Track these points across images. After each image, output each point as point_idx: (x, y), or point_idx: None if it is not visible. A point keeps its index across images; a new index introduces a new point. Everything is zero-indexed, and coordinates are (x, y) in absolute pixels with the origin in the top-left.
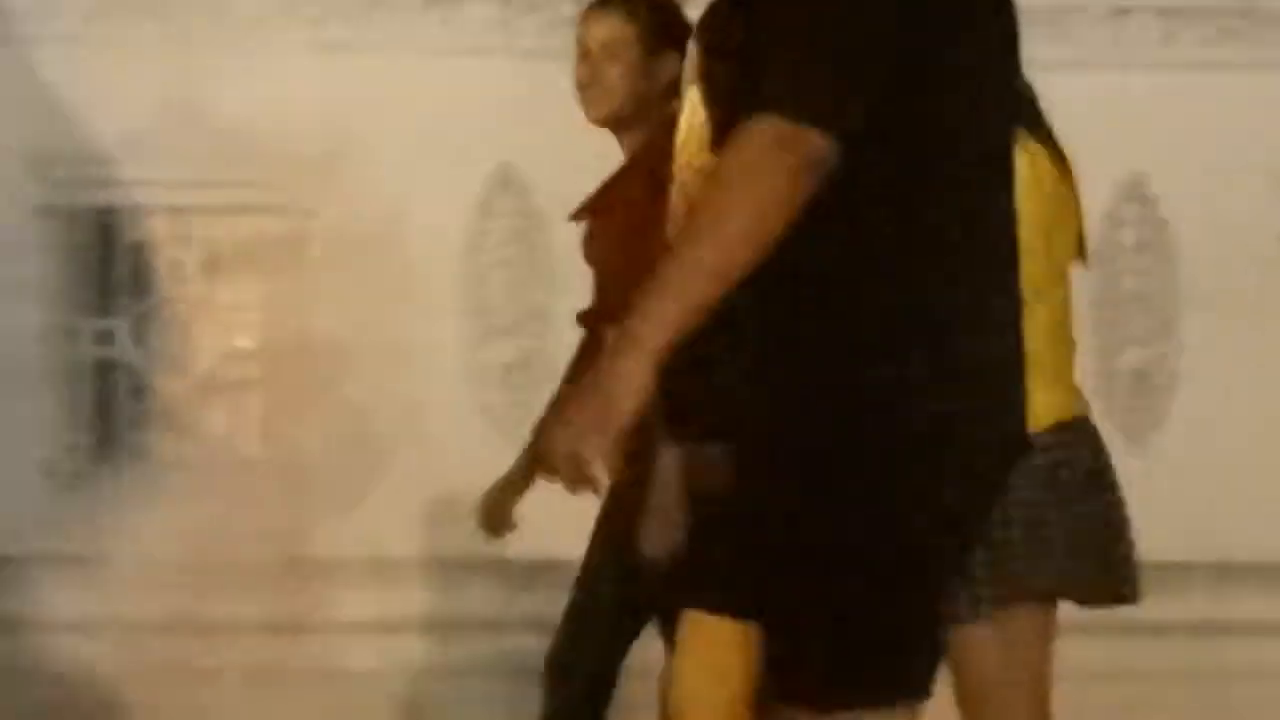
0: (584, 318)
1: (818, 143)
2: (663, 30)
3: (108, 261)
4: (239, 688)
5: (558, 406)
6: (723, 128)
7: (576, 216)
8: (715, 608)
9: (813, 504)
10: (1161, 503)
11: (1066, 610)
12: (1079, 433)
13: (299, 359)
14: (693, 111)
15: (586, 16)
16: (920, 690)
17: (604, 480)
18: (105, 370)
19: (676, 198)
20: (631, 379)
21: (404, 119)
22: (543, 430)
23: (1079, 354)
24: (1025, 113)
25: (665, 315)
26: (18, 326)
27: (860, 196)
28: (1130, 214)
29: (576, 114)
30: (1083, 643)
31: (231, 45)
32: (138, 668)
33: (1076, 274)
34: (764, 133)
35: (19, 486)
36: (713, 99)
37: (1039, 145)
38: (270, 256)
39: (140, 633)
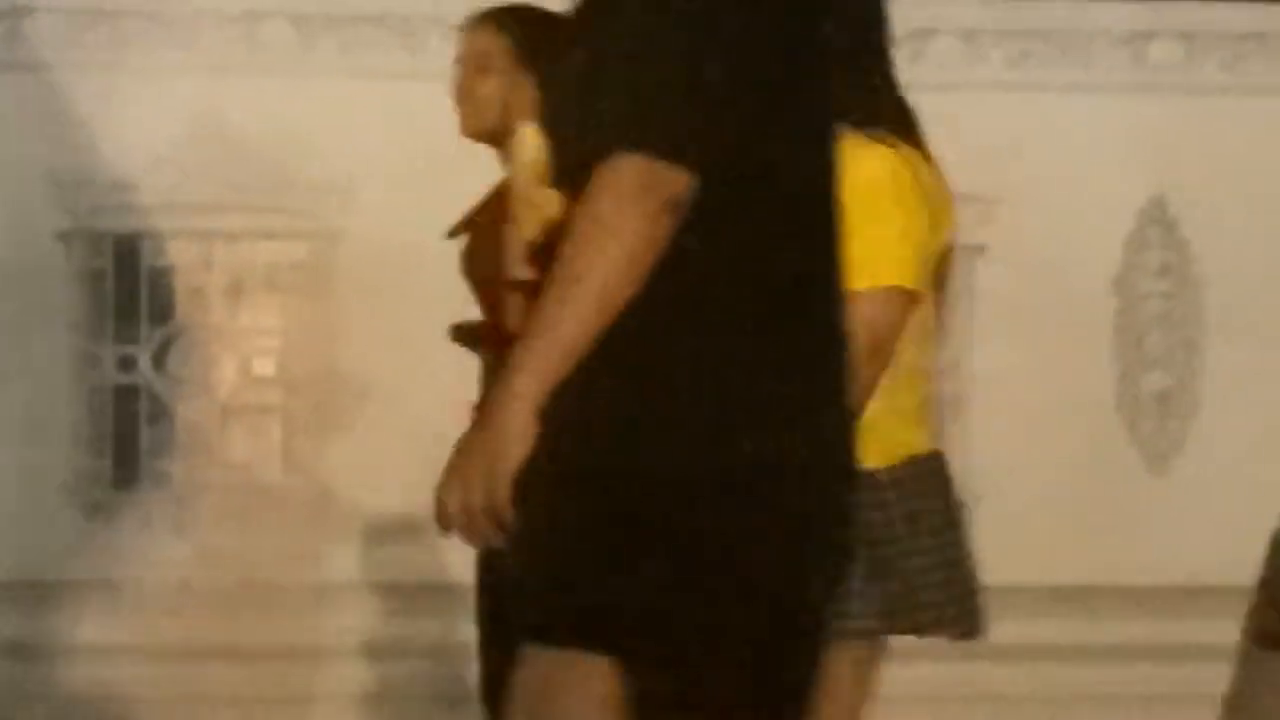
0: (468, 332)
1: (679, 180)
2: (535, 43)
3: (130, 287)
4: (261, 712)
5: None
6: (562, 162)
7: (454, 233)
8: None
9: (629, 539)
10: (1183, 526)
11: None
12: (932, 467)
13: (320, 385)
14: (529, 147)
15: (463, 29)
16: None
17: (499, 530)
18: (127, 396)
19: (511, 234)
20: (513, 429)
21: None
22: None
23: (1106, 378)
24: (903, 120)
25: (541, 365)
26: (41, 352)
27: (678, 232)
28: (1153, 237)
29: None
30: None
31: (255, 71)
32: (160, 692)
33: (1103, 296)
34: (626, 174)
35: (42, 512)
36: (551, 133)
37: (914, 152)
38: (292, 282)
39: (162, 657)
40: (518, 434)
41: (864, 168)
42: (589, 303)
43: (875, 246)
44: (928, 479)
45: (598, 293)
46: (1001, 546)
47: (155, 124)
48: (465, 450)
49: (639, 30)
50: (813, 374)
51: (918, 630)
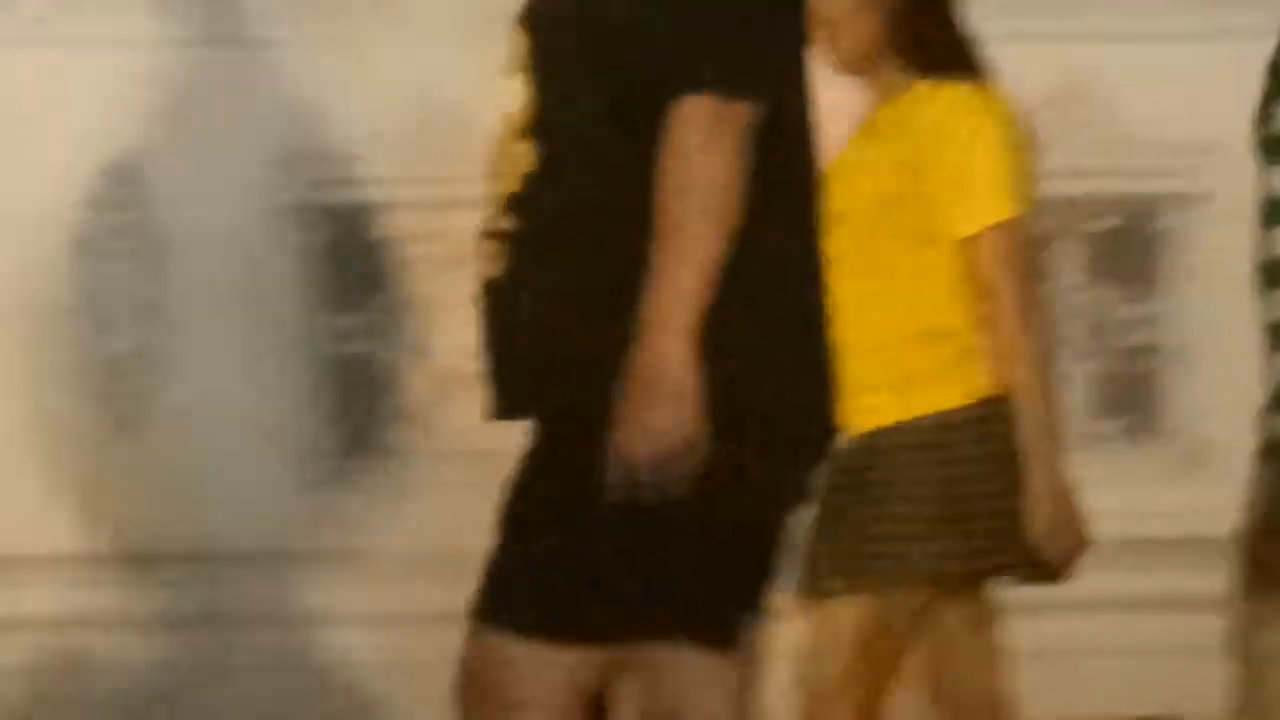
0: None
1: (746, 111)
2: None
3: (353, 258)
4: None
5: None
6: (538, 114)
7: None
8: None
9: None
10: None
11: None
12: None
13: None
14: (512, 100)
15: None
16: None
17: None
18: (351, 367)
19: (493, 186)
20: (682, 358)
21: None
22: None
23: None
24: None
25: (687, 292)
26: (266, 325)
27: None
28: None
29: None
30: None
31: (472, 42)
32: (393, 660)
33: None
34: (702, 115)
35: (270, 484)
36: (542, 85)
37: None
38: None
39: (394, 625)
40: (687, 363)
41: (946, 105)
42: (711, 237)
43: (985, 182)
44: (1002, 421)
45: (715, 224)
46: None
47: (377, 96)
48: (635, 398)
49: None
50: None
51: (995, 572)
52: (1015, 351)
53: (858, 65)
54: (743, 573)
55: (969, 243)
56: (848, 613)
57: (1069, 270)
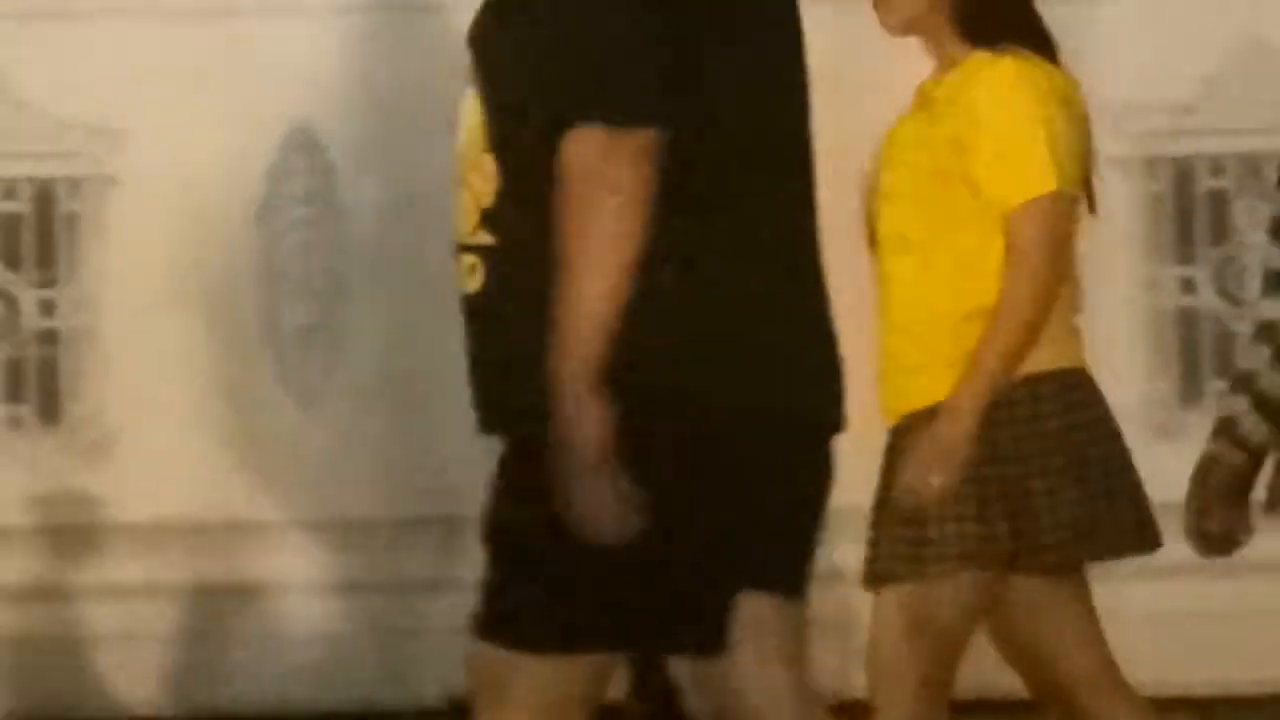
0: None
1: (640, 136)
2: None
3: (1186, 210)
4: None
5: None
6: (493, 132)
7: None
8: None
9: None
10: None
11: None
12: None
13: None
14: (470, 114)
15: None
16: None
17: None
18: (1188, 318)
19: (466, 198)
20: (588, 415)
21: None
22: None
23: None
24: (1035, 37)
25: (577, 342)
26: (1104, 277)
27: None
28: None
29: None
30: None
31: None
32: None
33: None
34: (589, 146)
35: None
36: (484, 103)
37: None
38: None
39: None
40: (594, 421)
41: (993, 80)
42: (607, 265)
43: (1024, 156)
44: (1050, 400)
45: (604, 262)
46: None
47: (1205, 46)
48: (564, 464)
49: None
50: (795, 326)
51: (1042, 552)
52: (1003, 326)
53: (913, 28)
54: (721, 575)
55: (1005, 218)
56: (906, 593)
57: None
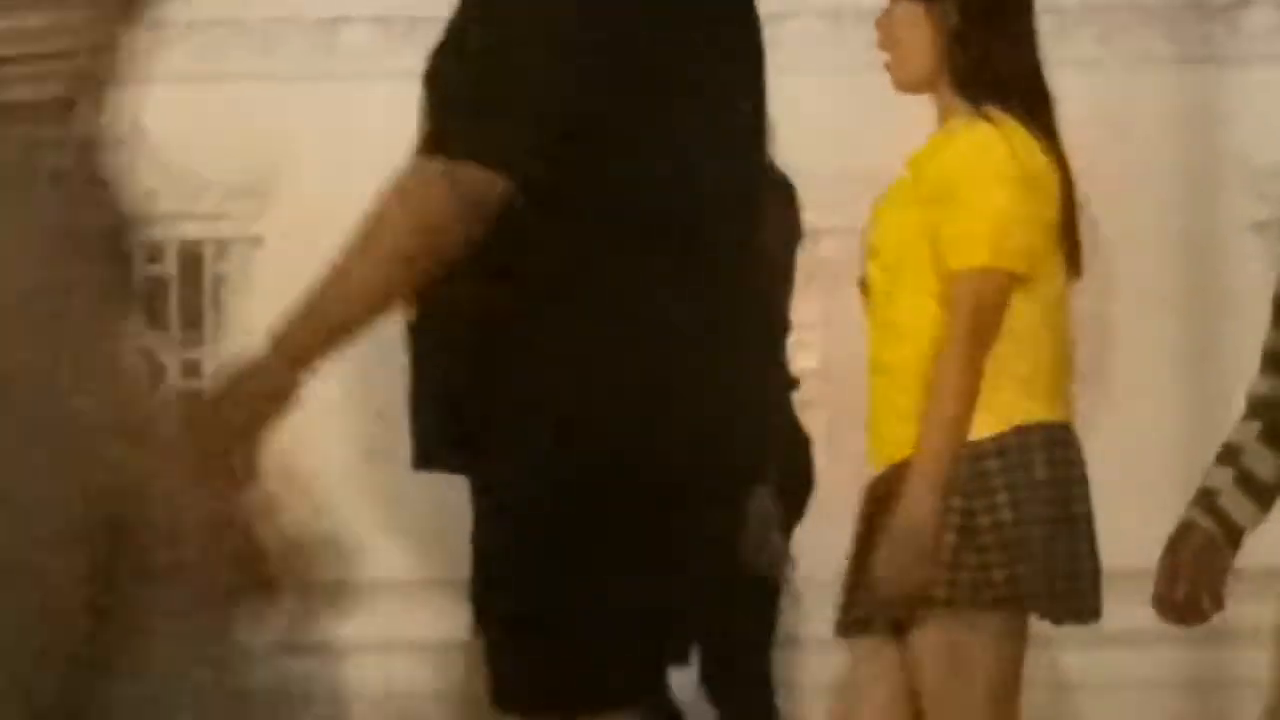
0: None
1: (481, 180)
2: None
3: None
4: None
5: None
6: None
7: None
8: None
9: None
10: None
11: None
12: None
13: None
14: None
15: None
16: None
17: None
18: None
19: None
20: (269, 391)
21: None
22: None
23: None
24: (1028, 95)
25: (308, 338)
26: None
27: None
28: None
29: None
30: None
31: None
32: None
33: None
34: (413, 175)
35: None
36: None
37: (1022, 128)
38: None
39: None
40: (271, 393)
41: (957, 147)
42: (374, 278)
43: (970, 226)
44: (1040, 450)
45: (385, 264)
46: None
47: None
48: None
49: (484, 31)
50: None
51: (1016, 604)
52: (937, 399)
53: (923, 86)
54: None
55: (948, 277)
56: (886, 644)
57: None
